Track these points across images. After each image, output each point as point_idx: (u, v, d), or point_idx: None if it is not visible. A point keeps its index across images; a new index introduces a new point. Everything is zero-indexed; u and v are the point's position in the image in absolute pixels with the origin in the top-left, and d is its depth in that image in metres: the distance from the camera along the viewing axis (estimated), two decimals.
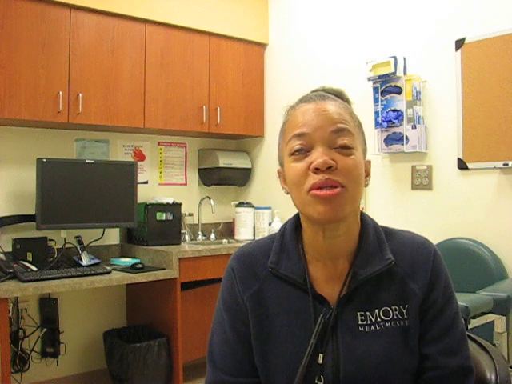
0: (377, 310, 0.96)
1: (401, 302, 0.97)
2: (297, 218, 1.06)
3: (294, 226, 1.05)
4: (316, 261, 1.01)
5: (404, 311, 0.96)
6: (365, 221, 1.03)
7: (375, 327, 0.95)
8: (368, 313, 0.96)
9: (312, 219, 0.95)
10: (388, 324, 0.95)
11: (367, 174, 1.01)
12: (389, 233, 1.05)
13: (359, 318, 0.96)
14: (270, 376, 0.99)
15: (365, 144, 1.02)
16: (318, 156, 0.91)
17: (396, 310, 0.96)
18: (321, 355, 0.95)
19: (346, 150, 0.92)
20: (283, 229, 1.07)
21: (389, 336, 0.95)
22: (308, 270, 1.00)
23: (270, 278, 1.02)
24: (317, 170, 0.90)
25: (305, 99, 0.99)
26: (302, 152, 0.93)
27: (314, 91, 1.05)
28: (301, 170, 0.93)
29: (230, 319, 1.04)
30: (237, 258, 1.08)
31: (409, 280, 0.98)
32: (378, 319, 0.95)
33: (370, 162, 1.03)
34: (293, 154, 0.95)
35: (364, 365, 0.93)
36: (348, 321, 0.96)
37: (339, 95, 1.04)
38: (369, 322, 0.95)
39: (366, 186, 1.01)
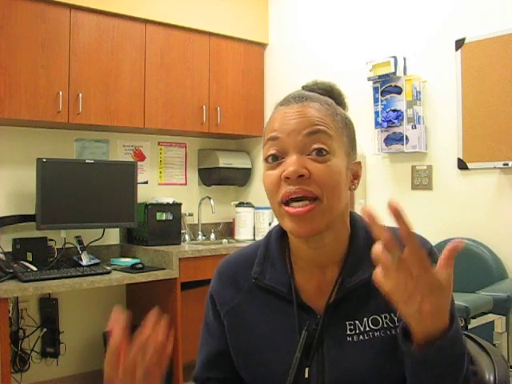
0: (365, 319, 0.91)
1: (392, 309, 0.90)
2: None
3: (280, 233, 1.00)
4: (303, 270, 0.96)
5: (395, 318, 0.91)
6: (354, 223, 0.98)
7: (363, 337, 0.91)
8: (357, 321, 0.92)
9: (289, 232, 0.93)
10: (377, 333, 0.91)
11: (355, 177, 0.95)
12: None
13: (348, 327, 0.91)
14: None
15: (352, 145, 0.95)
16: (289, 164, 0.86)
17: (386, 317, 0.92)
18: (307, 369, 0.91)
19: (320, 156, 0.87)
20: (269, 236, 1.03)
21: (377, 346, 0.90)
22: (295, 279, 0.96)
23: (253, 290, 0.98)
24: (287, 180, 0.86)
25: (284, 102, 0.94)
26: (276, 159, 0.89)
27: (304, 86, 1.01)
28: (274, 179, 0.88)
29: (211, 336, 1.05)
30: (218, 274, 1.05)
31: None
32: (367, 328, 0.91)
33: (359, 163, 0.96)
34: (266, 160, 0.91)
35: (350, 377, 0.90)
36: (336, 331, 0.92)
37: (329, 90, 0.99)
38: (357, 332, 0.91)
39: (353, 189, 0.95)
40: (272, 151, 0.90)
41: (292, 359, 0.91)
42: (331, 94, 0.98)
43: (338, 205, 0.90)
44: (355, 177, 0.96)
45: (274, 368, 0.94)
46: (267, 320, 0.96)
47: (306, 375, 0.91)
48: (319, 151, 0.87)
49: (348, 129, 0.95)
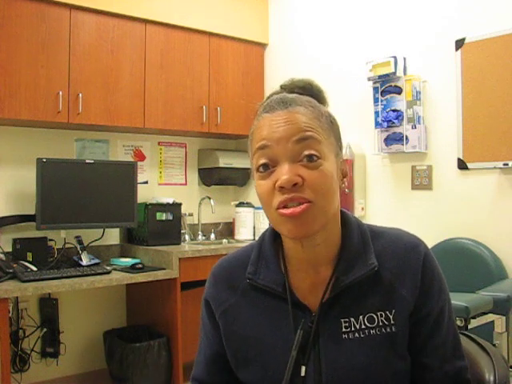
0: (361, 317, 0.92)
1: (387, 307, 0.92)
2: None
3: (273, 233, 1.01)
4: (297, 270, 0.96)
5: (391, 316, 0.92)
6: (348, 222, 0.98)
7: (359, 334, 0.91)
8: (352, 319, 0.92)
9: (285, 236, 0.93)
10: (373, 331, 0.91)
11: (344, 176, 0.96)
12: (375, 233, 0.99)
13: (343, 324, 0.92)
14: None
15: (339, 143, 0.95)
16: (282, 173, 0.86)
17: (382, 315, 0.92)
18: (303, 367, 0.91)
19: (312, 162, 0.87)
20: (262, 237, 1.03)
21: (373, 344, 0.91)
22: (289, 278, 0.96)
23: (248, 291, 0.99)
24: (282, 189, 0.86)
25: (268, 108, 0.93)
26: (267, 168, 0.89)
27: (282, 85, 1.00)
28: (267, 188, 0.88)
29: (208, 339, 1.06)
30: (213, 277, 1.05)
31: (396, 284, 0.93)
32: (363, 326, 0.91)
33: (345, 161, 0.97)
34: (257, 169, 0.90)
35: (347, 374, 0.90)
36: (331, 328, 0.92)
37: (309, 88, 0.97)
38: (353, 329, 0.91)
39: (343, 188, 0.96)
40: (262, 160, 0.89)
41: (288, 358, 0.91)
42: (311, 91, 0.97)
43: (331, 207, 0.90)
44: (344, 175, 0.96)
45: (270, 367, 0.94)
46: (262, 320, 0.97)
47: (303, 373, 0.91)
48: (310, 157, 0.87)
49: (334, 128, 0.94)
